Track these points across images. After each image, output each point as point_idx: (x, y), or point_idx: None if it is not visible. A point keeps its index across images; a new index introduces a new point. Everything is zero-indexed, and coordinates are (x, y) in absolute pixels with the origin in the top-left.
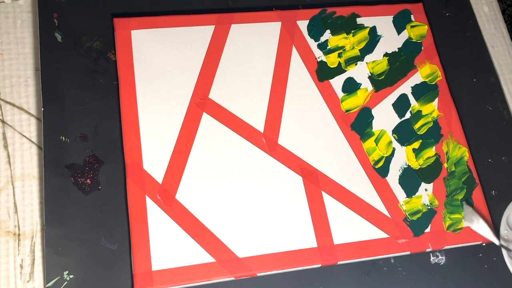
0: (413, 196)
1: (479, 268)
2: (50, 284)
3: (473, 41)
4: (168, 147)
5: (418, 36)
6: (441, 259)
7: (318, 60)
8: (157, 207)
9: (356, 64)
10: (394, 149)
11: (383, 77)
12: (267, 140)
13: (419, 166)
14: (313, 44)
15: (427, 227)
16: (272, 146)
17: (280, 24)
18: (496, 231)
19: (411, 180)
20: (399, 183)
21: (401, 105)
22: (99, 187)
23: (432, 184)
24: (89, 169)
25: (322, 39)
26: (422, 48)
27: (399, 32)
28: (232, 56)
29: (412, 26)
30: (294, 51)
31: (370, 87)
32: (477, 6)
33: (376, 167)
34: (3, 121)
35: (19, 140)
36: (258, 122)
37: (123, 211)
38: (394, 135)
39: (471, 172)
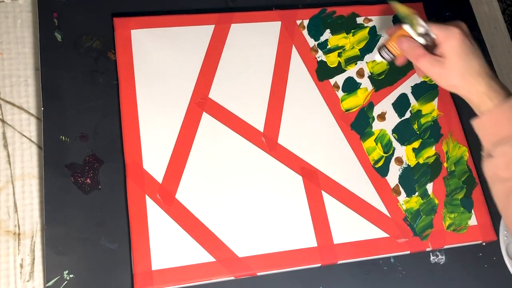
0: (413, 195)
1: (479, 267)
2: (50, 283)
3: None
4: (168, 147)
5: None
6: (441, 259)
7: (318, 59)
8: (157, 206)
9: (356, 64)
10: (394, 149)
11: (383, 76)
12: (267, 139)
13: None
14: (313, 43)
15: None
16: (272, 145)
17: (280, 23)
18: (496, 231)
19: (411, 179)
20: (399, 182)
21: (401, 104)
22: (99, 187)
23: (432, 183)
24: (89, 169)
25: (322, 38)
26: None
27: None
28: (232, 55)
29: None
30: (294, 51)
31: (370, 87)
32: (477, 6)
33: (376, 166)
34: (3, 121)
35: (19, 139)
36: (258, 122)
37: (123, 211)
38: (394, 134)
39: (471, 172)
